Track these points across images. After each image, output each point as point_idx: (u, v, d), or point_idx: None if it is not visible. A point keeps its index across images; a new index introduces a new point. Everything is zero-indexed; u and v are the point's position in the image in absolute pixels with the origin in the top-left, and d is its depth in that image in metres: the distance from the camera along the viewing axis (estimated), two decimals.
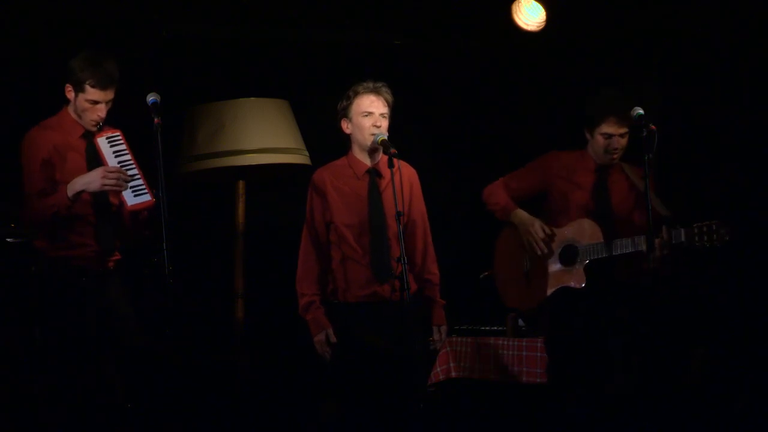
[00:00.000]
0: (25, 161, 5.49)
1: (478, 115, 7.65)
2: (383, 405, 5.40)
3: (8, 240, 5.66)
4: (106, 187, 5.38)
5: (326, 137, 5.78)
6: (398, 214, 5.25)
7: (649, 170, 5.47)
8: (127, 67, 5.58)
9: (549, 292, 5.86)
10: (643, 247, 5.57)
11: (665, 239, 5.59)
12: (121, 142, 5.48)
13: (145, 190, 5.38)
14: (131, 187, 5.39)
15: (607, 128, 5.77)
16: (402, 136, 5.54)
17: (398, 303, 5.25)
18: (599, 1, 7.06)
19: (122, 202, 5.42)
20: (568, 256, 5.84)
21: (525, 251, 5.96)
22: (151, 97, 5.29)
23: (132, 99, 5.52)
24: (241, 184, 6.71)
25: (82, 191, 5.37)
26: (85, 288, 5.49)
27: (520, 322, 6.54)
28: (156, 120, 5.21)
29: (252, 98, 6.57)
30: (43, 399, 5.46)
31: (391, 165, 5.29)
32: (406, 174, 5.50)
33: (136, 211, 5.44)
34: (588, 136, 5.86)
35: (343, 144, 5.57)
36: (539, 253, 5.89)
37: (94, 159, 5.49)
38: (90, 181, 5.37)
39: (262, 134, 6.46)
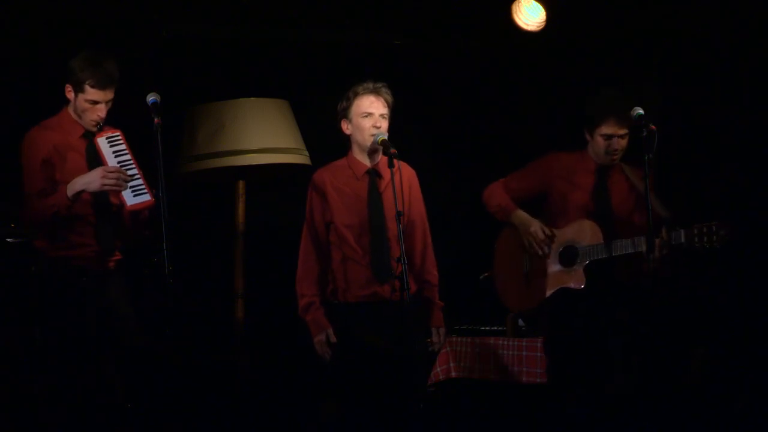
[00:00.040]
0: (25, 161, 5.49)
1: (478, 115, 7.65)
2: (383, 405, 5.40)
3: (8, 240, 5.67)
4: (106, 187, 5.38)
5: (326, 137, 5.77)
6: (398, 214, 5.24)
7: (649, 170, 5.46)
8: (127, 67, 5.57)
9: (549, 292, 5.86)
10: (643, 248, 5.57)
11: (665, 240, 5.59)
12: (121, 142, 5.47)
13: (145, 190, 5.38)
14: (131, 187, 5.38)
15: (607, 129, 5.77)
16: (402, 136, 5.54)
17: (398, 303, 5.24)
18: (599, 1, 7.06)
19: (122, 202, 5.42)
20: (568, 256, 5.84)
21: (525, 252, 5.96)
22: (151, 97, 5.29)
23: (132, 99, 5.52)
24: (241, 184, 6.71)
25: (82, 191, 5.37)
26: (85, 288, 5.49)
27: (520, 322, 6.53)
28: (156, 120, 5.20)
29: (252, 98, 6.56)
30: (43, 399, 5.46)
31: (391, 165, 5.28)
32: (406, 175, 5.49)
33: (136, 211, 5.44)
34: (588, 137, 5.85)
35: (343, 144, 5.56)
36: (539, 253, 5.89)
37: (94, 159, 5.49)
38: (90, 181, 5.36)
39: (262, 134, 6.46)
